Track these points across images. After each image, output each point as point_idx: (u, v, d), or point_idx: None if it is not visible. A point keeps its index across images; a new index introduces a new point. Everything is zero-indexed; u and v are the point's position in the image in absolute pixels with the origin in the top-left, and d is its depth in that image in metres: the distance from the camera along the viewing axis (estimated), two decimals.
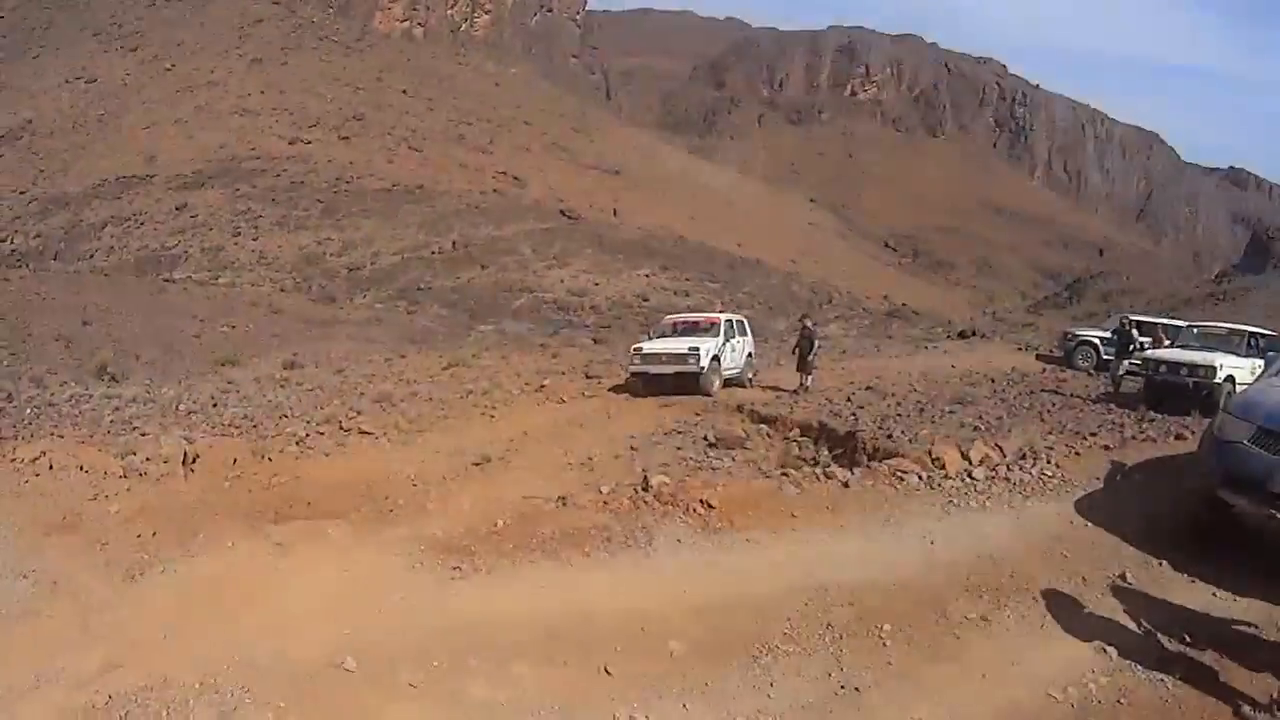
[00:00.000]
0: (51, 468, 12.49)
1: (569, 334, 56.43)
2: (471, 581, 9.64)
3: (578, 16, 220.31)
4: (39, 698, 7.31)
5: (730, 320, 32.90)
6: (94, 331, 42.85)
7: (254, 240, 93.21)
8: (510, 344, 44.88)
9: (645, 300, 73.89)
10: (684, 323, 33.62)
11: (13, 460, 12.49)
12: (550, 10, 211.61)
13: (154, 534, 10.74)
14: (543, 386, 29.15)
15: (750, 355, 33.43)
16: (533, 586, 9.49)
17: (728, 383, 29.96)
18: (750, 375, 32.58)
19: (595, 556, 10.23)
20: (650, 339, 31.14)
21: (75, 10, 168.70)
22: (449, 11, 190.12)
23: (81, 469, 12.68)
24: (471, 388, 28.47)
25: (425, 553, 10.31)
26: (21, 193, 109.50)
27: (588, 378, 31.11)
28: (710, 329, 30.88)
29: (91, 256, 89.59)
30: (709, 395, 27.53)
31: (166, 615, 8.81)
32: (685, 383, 27.99)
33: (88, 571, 9.86)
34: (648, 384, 28.46)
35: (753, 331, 36.47)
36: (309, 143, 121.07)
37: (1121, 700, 7.61)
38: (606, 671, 7.76)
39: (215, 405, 24.32)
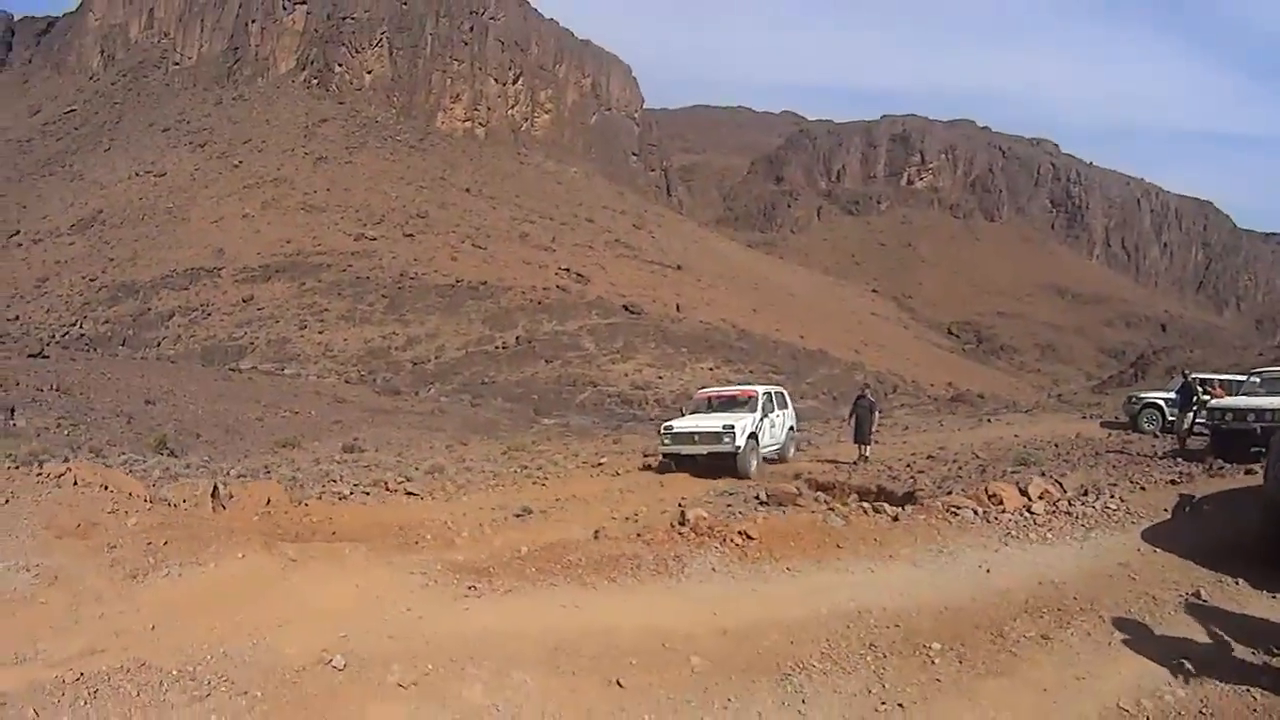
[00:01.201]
0: (76, 483, 12.29)
1: (633, 427, 56.11)
2: (486, 599, 9.29)
3: (635, 115, 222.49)
4: (11, 673, 7.16)
5: (769, 393, 30.14)
6: (156, 411, 43.29)
7: (319, 333, 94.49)
8: (573, 435, 44.71)
9: None
10: (719, 397, 31.42)
11: (39, 474, 12.36)
12: (609, 109, 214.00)
13: (165, 543, 10.47)
14: (599, 464, 28.36)
15: (792, 429, 31.72)
16: (550, 605, 9.11)
17: (767, 461, 27.83)
18: (792, 452, 31.06)
19: (622, 582, 9.85)
20: (683, 416, 29.29)
21: (144, 107, 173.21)
22: (510, 111, 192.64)
23: (105, 487, 12.45)
24: (527, 464, 27.89)
25: (442, 573, 9.99)
26: (91, 280, 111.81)
27: (646, 456, 30.00)
28: (747, 403, 28.82)
29: (158, 344, 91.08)
30: (747, 477, 24.89)
31: (159, 611, 8.61)
32: (720, 464, 25.75)
33: (91, 570, 9.70)
34: (680, 466, 26.47)
35: (793, 403, 33.88)
36: (374, 239, 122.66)
37: (1204, 711, 7.08)
38: (618, 684, 7.32)
39: (267, 471, 24.13)
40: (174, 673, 7.08)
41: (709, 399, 31.37)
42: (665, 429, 27.24)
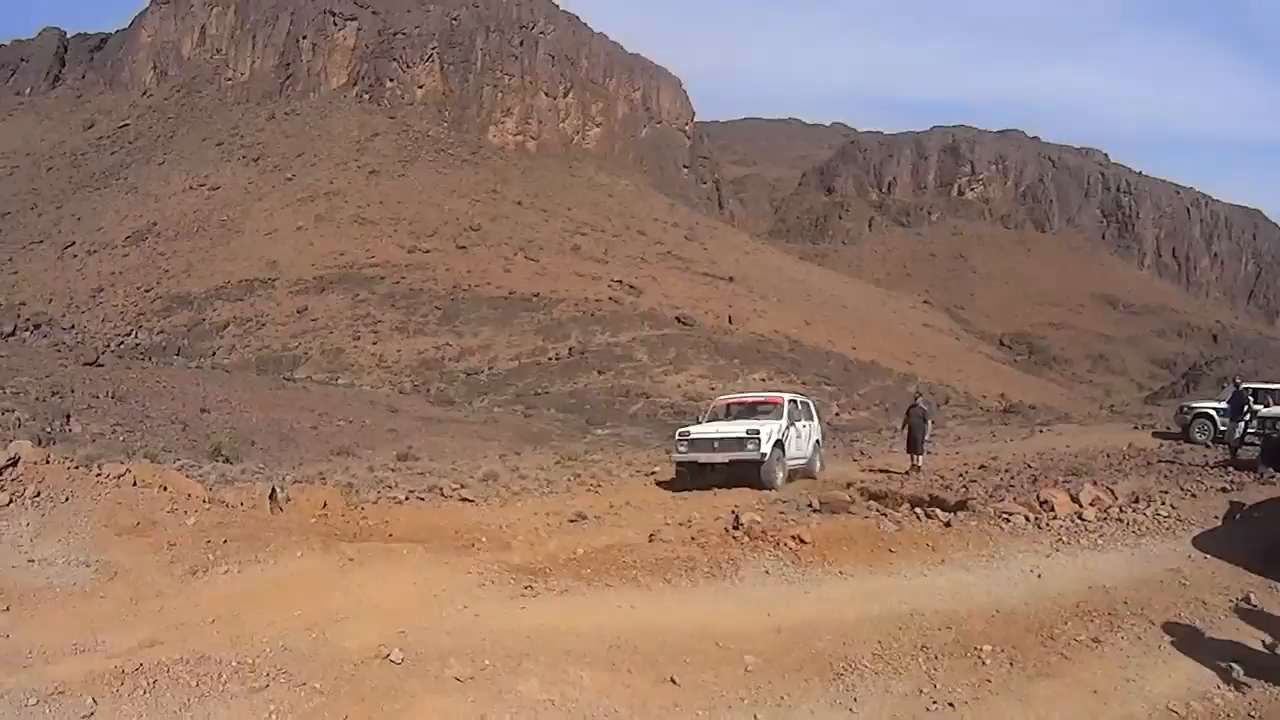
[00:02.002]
0: (135, 484, 12.44)
1: None
2: (542, 599, 9.42)
3: (686, 128, 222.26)
4: (71, 663, 7.33)
5: (795, 401, 28.25)
6: (211, 418, 43.58)
7: (373, 344, 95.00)
8: (626, 445, 44.69)
9: None
10: (740, 403, 29.16)
11: (98, 475, 12.43)
12: (659, 122, 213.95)
13: (224, 542, 10.72)
14: (653, 473, 27.53)
15: (819, 443, 29.23)
16: (605, 605, 9.22)
17: (793, 476, 25.53)
18: (819, 468, 28.15)
19: (676, 583, 9.94)
20: (700, 422, 27.12)
21: (197, 122, 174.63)
22: (561, 125, 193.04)
23: (164, 488, 12.63)
24: (580, 473, 27.64)
25: (499, 573, 10.15)
26: (146, 291, 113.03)
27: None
28: (772, 410, 26.68)
29: (213, 354, 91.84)
30: (772, 489, 22.86)
31: (218, 606, 8.81)
32: (742, 473, 23.63)
33: (151, 566, 9.93)
34: (696, 477, 24.21)
35: (819, 416, 31.51)
36: (427, 251, 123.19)
37: (1253, 715, 7.12)
38: (673, 681, 7.41)
39: (322, 478, 24.28)
40: (233, 664, 7.24)
41: (728, 405, 29.14)
42: (680, 435, 25.42)
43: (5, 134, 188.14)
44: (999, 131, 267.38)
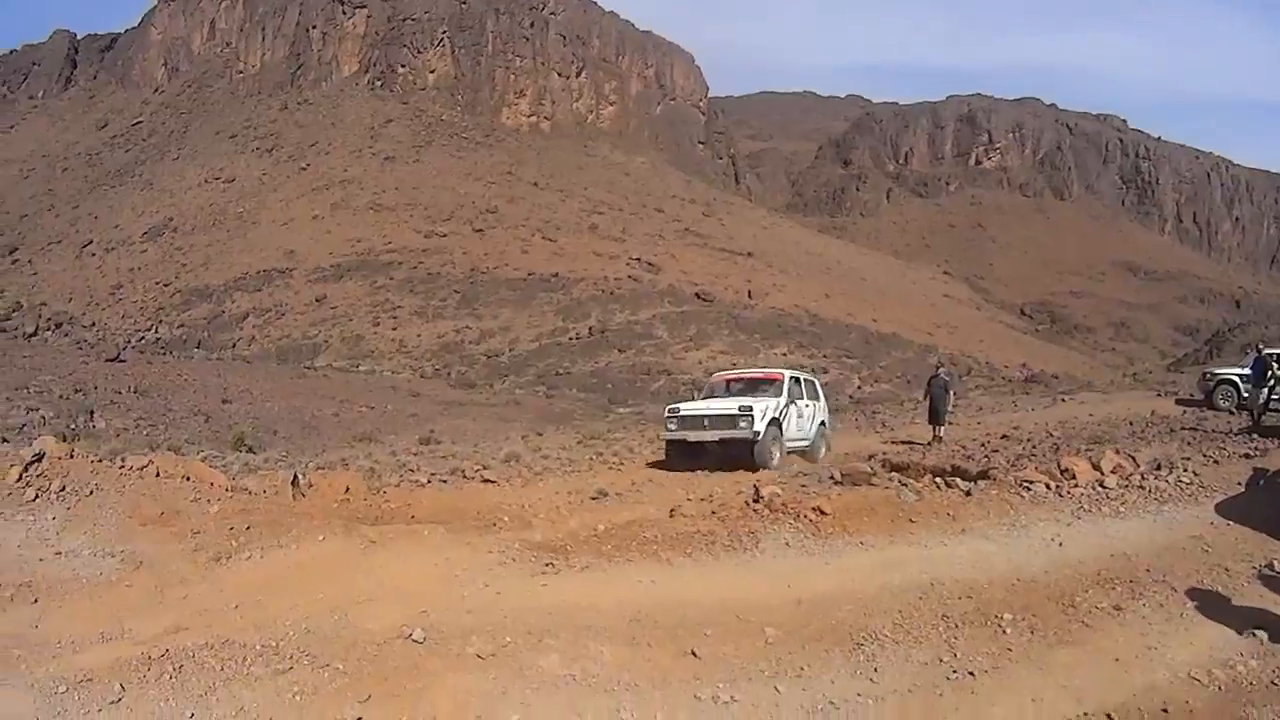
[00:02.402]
0: (158, 475, 12.61)
1: None
2: (563, 576, 9.50)
3: (700, 103, 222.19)
4: (99, 651, 7.47)
5: (797, 378, 26.76)
6: (233, 409, 43.86)
7: (393, 329, 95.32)
8: (649, 423, 44.76)
9: None
10: (739, 380, 27.81)
11: (122, 467, 12.61)
12: (673, 99, 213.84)
13: (247, 528, 10.88)
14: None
15: (824, 424, 27.55)
16: (626, 581, 9.29)
17: (793, 457, 24.02)
18: (823, 452, 26.27)
19: (697, 557, 9.98)
20: (696, 399, 26.56)
21: (210, 116, 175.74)
22: (574, 105, 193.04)
23: (186, 478, 12.77)
24: (603, 451, 27.49)
25: (520, 552, 10.23)
26: (165, 285, 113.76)
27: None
28: (770, 387, 25.52)
29: (234, 345, 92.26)
30: (766, 469, 21.33)
31: (242, 591, 8.94)
32: (736, 453, 22.37)
33: (175, 555, 10.11)
34: (684, 457, 22.94)
35: (826, 395, 30.07)
36: (444, 235, 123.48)
37: (1276, 682, 7.08)
38: (693, 654, 7.46)
39: (345, 464, 24.32)
40: (257, 648, 7.36)
41: (727, 382, 27.97)
42: (670, 412, 23.88)
43: (20, 137, 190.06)
44: (1015, 99, 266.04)
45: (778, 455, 22.87)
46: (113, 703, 6.63)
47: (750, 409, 22.47)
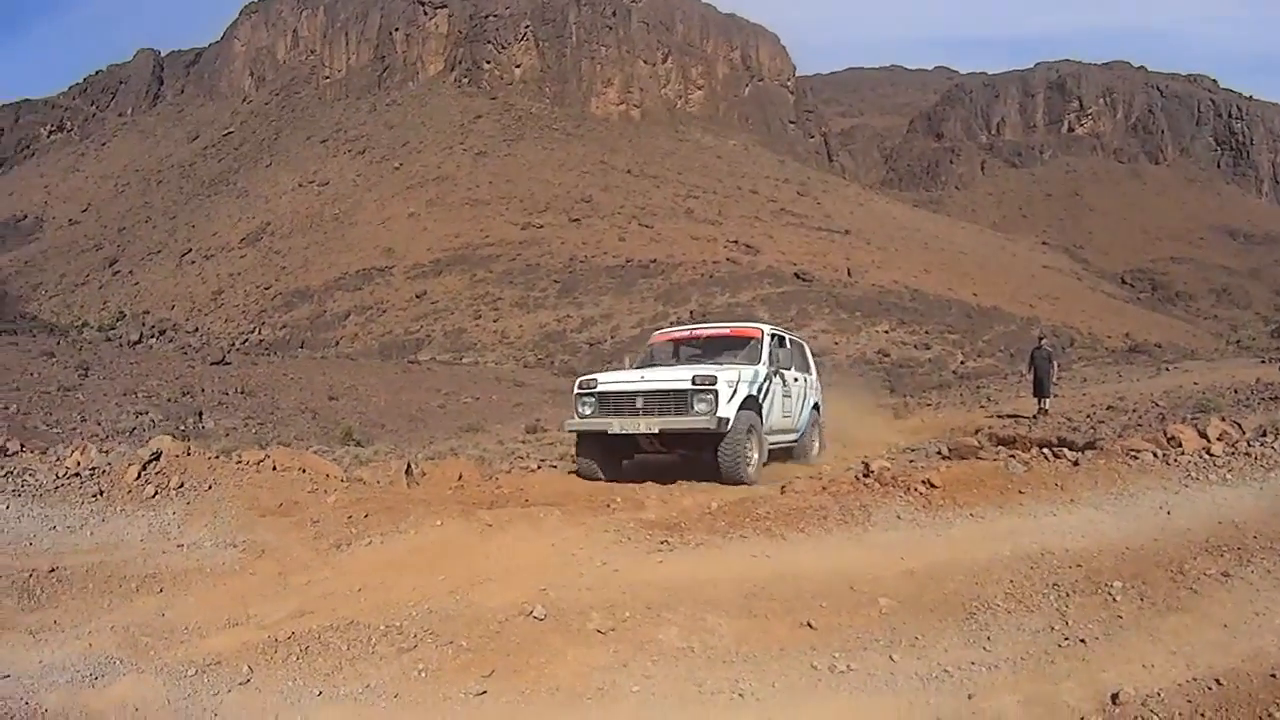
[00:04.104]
0: (274, 468, 13.02)
1: None
2: (678, 553, 9.54)
3: (789, 83, 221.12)
4: (225, 635, 7.75)
5: (781, 337, 19.03)
6: (340, 405, 44.48)
7: (494, 321, 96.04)
8: None
9: (886, 356, 73.31)
10: (691, 338, 19.74)
11: (239, 462, 13.05)
12: (761, 80, 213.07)
13: (365, 516, 11.13)
14: None
15: (818, 408, 20.81)
16: (740, 556, 9.32)
17: (775, 454, 17.60)
18: (816, 449, 20.22)
19: (809, 532, 9.95)
20: (630, 368, 18.74)
21: (300, 121, 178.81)
22: (662, 91, 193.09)
23: (302, 470, 13.18)
24: None
25: (634, 530, 10.28)
26: (265, 288, 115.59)
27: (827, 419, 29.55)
28: (742, 349, 17.77)
29: (336, 344, 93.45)
30: (739, 481, 14.56)
31: (363, 576, 9.18)
32: (689, 453, 16.04)
33: (296, 543, 10.43)
34: (604, 460, 16.18)
35: (816, 362, 22.37)
36: (540, 227, 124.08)
37: None
38: (809, 625, 7.51)
39: (454, 453, 24.51)
40: (381, 628, 7.56)
41: (675, 343, 19.84)
42: (582, 388, 16.32)
43: (112, 153, 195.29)
44: (1104, 64, 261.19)
45: (754, 457, 15.48)
46: (241, 684, 6.89)
47: (712, 382, 14.89)
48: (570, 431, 16.80)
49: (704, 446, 15.08)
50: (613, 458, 16.35)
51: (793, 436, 18.84)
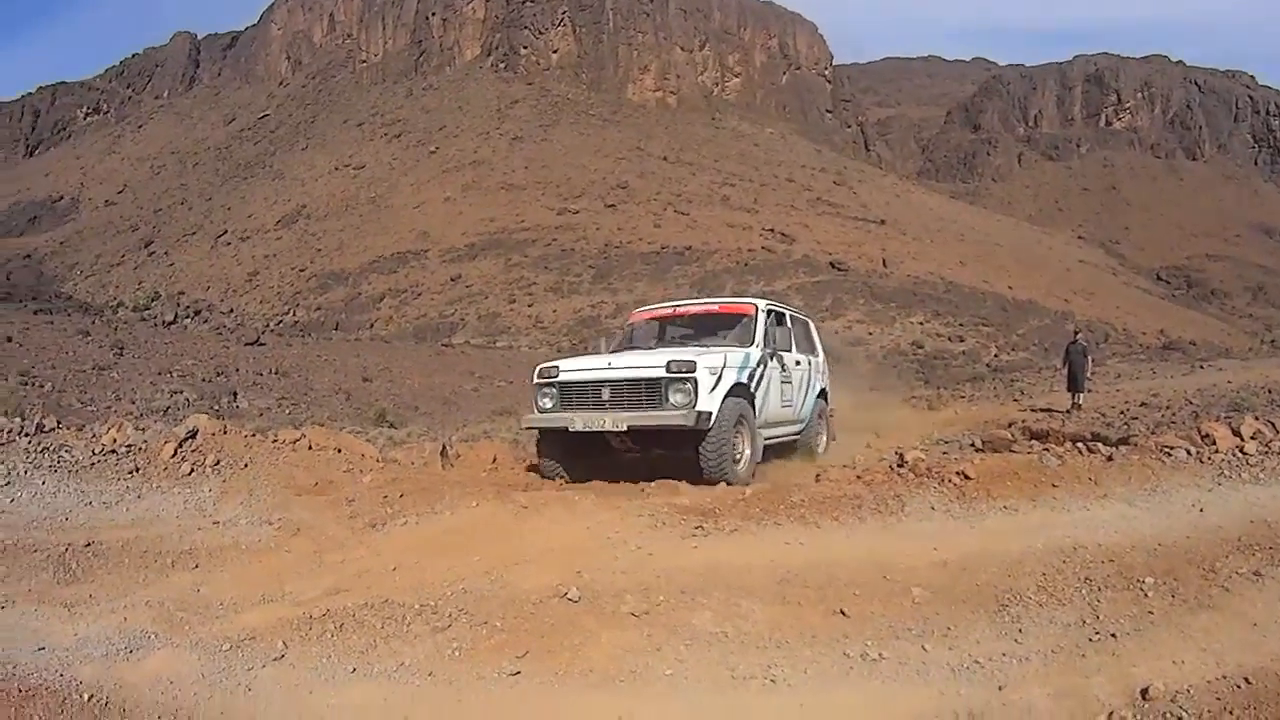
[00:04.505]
0: (310, 448, 13.15)
1: (845, 383, 55.53)
2: (712, 538, 9.56)
3: (826, 71, 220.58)
4: (260, 611, 7.82)
5: (780, 314, 16.48)
6: (374, 387, 44.71)
7: (529, 306, 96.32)
8: None
9: (920, 347, 73.15)
10: (676, 316, 17.10)
11: (275, 441, 13.16)
12: (798, 68, 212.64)
13: (400, 496, 11.23)
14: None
15: (824, 397, 18.44)
16: (774, 542, 9.32)
17: (774, 449, 15.46)
18: (824, 443, 17.90)
19: (843, 520, 9.98)
20: (606, 351, 16.00)
21: (336, 105, 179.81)
22: (699, 78, 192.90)
23: (338, 450, 13.29)
24: None
25: (669, 515, 10.30)
26: (300, 270, 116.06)
27: (860, 410, 29.45)
28: (733, 327, 15.45)
29: (371, 326, 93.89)
30: (724, 481, 12.49)
31: (398, 555, 9.22)
32: (668, 452, 13.70)
33: (331, 522, 10.52)
34: (569, 458, 14.08)
35: (823, 342, 19.65)
36: (576, 212, 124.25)
37: None
38: (842, 613, 7.53)
39: (488, 436, 24.60)
40: (415, 607, 7.62)
41: (659, 321, 17.19)
42: (542, 377, 14.05)
43: (149, 136, 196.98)
44: (1142, 57, 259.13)
45: (748, 454, 13.52)
46: (275, 659, 6.95)
47: (690, 369, 12.65)
48: (527, 429, 14.75)
49: (684, 444, 12.93)
50: (579, 457, 14.18)
51: (794, 429, 16.70)
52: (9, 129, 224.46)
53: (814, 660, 6.91)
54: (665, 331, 16.81)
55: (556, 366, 14.05)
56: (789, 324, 16.69)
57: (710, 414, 12.47)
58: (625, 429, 12.74)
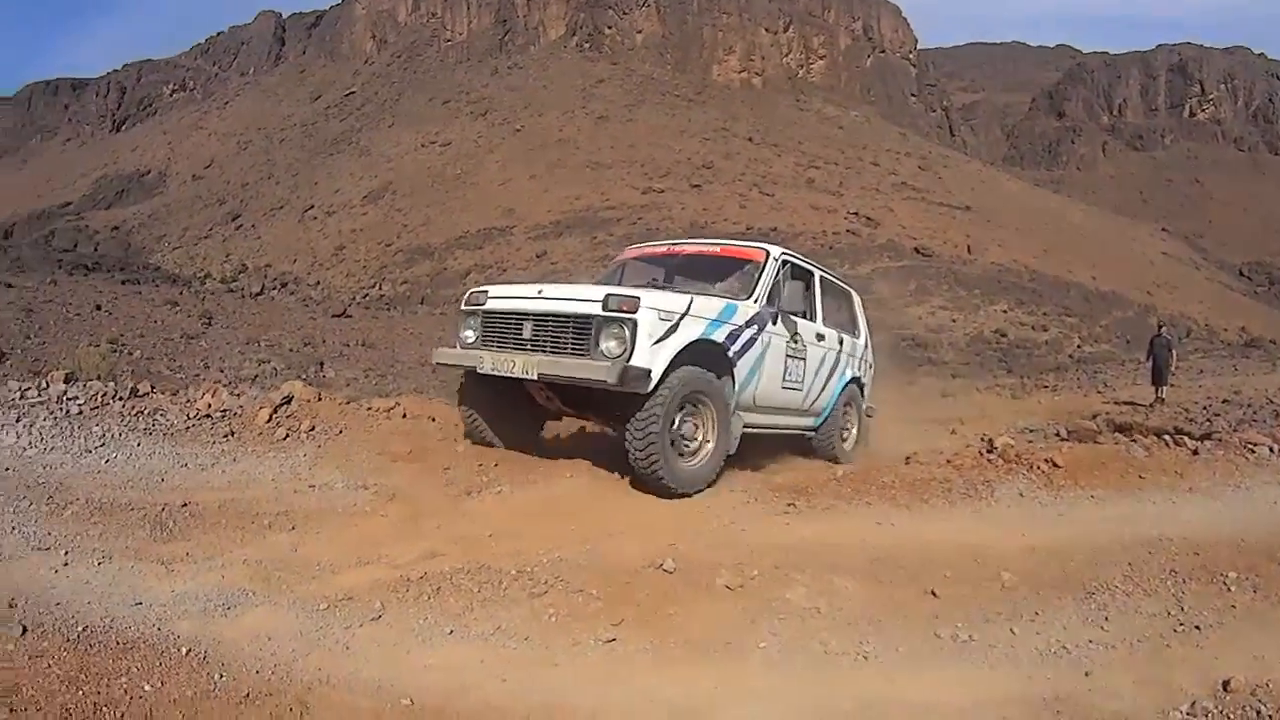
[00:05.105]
0: (405, 416, 13.33)
1: (928, 370, 55.26)
2: (804, 515, 9.68)
3: (910, 55, 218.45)
4: (357, 573, 7.96)
5: (799, 267, 12.99)
6: None
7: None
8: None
9: (1004, 336, 72.43)
10: (671, 254, 13.76)
11: (369, 409, 13.38)
12: (883, 51, 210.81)
13: (495, 465, 11.30)
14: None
15: (861, 386, 15.63)
16: (865, 522, 9.46)
17: (776, 441, 13.16)
18: (852, 443, 15.04)
19: (933, 503, 10.09)
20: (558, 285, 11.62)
21: (422, 83, 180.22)
22: (784, 60, 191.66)
23: (433, 420, 13.41)
24: None
25: (762, 491, 10.50)
26: (387, 245, 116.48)
27: (944, 396, 29.39)
28: (735, 274, 12.21)
29: (457, 301, 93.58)
30: (658, 483, 9.99)
31: (494, 522, 9.37)
32: (595, 412, 11.39)
33: (427, 488, 10.60)
34: (489, 412, 11.64)
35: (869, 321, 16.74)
36: (661, 191, 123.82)
37: None
38: (933, 594, 7.66)
39: None
40: (512, 573, 7.76)
41: (653, 259, 14.05)
42: (469, 303, 11.38)
43: (235, 112, 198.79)
44: (1225, 48, 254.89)
45: (710, 446, 10.53)
46: (373, 619, 7.11)
47: (632, 308, 9.44)
48: (439, 364, 11.59)
49: (614, 410, 10.15)
50: (504, 413, 11.58)
51: (803, 421, 13.40)
52: (96, 105, 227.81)
53: (905, 639, 7.02)
54: (670, 275, 13.05)
55: (485, 291, 11.30)
56: (815, 287, 13.41)
57: (646, 372, 9.30)
58: (536, 377, 9.97)
